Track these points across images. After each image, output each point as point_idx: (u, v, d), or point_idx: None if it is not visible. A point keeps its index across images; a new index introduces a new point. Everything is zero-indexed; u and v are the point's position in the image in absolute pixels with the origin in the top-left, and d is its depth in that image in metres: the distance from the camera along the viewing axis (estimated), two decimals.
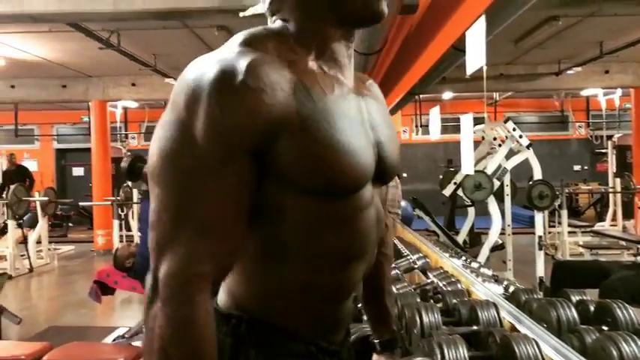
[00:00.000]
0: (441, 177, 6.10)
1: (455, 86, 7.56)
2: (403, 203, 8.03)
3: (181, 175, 0.64)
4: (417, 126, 10.54)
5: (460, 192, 5.53)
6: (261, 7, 0.83)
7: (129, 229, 8.10)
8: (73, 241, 9.67)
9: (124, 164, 2.98)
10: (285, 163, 0.67)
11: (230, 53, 0.68)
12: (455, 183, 5.43)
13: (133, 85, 8.21)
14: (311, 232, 0.73)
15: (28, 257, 6.95)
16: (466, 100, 10.52)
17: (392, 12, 2.88)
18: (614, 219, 6.93)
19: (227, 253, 0.67)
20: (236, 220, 0.67)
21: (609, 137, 9.42)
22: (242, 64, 0.65)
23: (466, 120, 2.25)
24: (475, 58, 2.15)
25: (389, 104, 5.59)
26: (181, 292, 0.63)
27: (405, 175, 9.61)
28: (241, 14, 1.01)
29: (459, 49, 3.07)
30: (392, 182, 6.29)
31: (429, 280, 2.64)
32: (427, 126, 10.66)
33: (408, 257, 3.26)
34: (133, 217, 8.16)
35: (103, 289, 3.36)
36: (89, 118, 9.28)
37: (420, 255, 3.18)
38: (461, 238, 5.55)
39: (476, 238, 6.30)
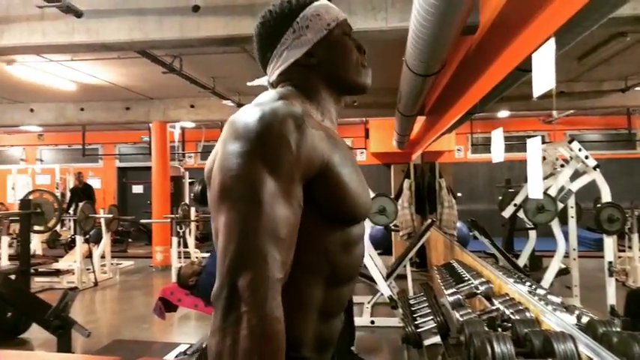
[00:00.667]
0: (500, 198, 5.93)
1: (513, 104, 7.37)
2: (459, 224, 7.87)
3: (261, 195, 0.75)
4: (472, 145, 10.33)
5: (521, 214, 5.36)
6: (265, 80, 1.07)
7: (186, 245, 8.32)
8: (133, 256, 10.01)
9: (196, 189, 3.11)
10: (320, 194, 0.83)
11: (284, 103, 0.85)
12: (515, 204, 5.27)
13: (192, 106, 8.52)
14: (328, 253, 0.87)
15: (94, 271, 7.26)
16: (523, 119, 10.23)
17: (454, 33, 2.86)
18: None
19: (289, 264, 0.77)
20: (295, 235, 0.79)
21: None
22: (301, 111, 0.84)
23: (534, 143, 2.18)
24: (543, 79, 2.09)
25: (445, 125, 5.52)
26: (270, 295, 0.71)
27: (459, 194, 9.41)
28: (248, 84, 1.18)
29: (523, 69, 3.00)
30: (446, 203, 6.17)
31: (493, 307, 2.56)
32: (483, 145, 10.45)
33: (470, 282, 3.17)
34: (190, 235, 8.39)
35: (166, 305, 3.46)
36: (149, 138, 9.68)
37: (483, 280, 3.09)
38: (521, 261, 5.35)
39: (537, 262, 6.06)
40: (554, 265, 4.25)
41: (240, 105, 8.11)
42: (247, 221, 0.74)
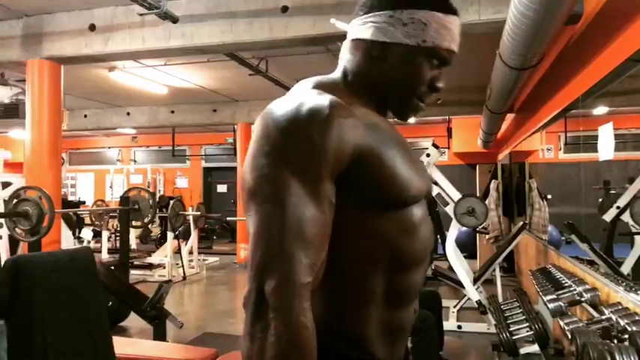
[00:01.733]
0: (599, 200, 5.51)
1: (612, 100, 6.82)
2: (549, 228, 7.42)
3: (286, 197, 0.72)
4: (566, 144, 9.70)
5: (624, 217, 4.94)
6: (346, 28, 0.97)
7: None
8: (218, 252, 10.42)
9: None
10: (361, 180, 0.79)
11: (313, 94, 0.80)
12: (618, 207, 4.86)
13: None
14: (387, 239, 0.82)
15: (182, 266, 7.63)
16: (623, 116, 9.45)
17: (558, 23, 2.68)
18: None
19: (320, 265, 0.74)
20: (327, 234, 0.76)
21: None
22: (329, 102, 0.78)
23: None
24: None
25: (537, 123, 5.22)
26: (297, 300, 0.69)
27: (549, 196, 8.88)
28: (332, 20, 1.08)
29: (636, 59, 2.75)
30: (536, 205, 5.82)
31: (603, 317, 2.36)
32: (577, 144, 9.77)
33: (572, 289, 2.96)
34: None
35: None
36: (234, 139, 10.01)
37: (587, 287, 2.87)
38: (625, 269, 4.93)
39: None
40: None
41: None
42: (272, 224, 0.71)
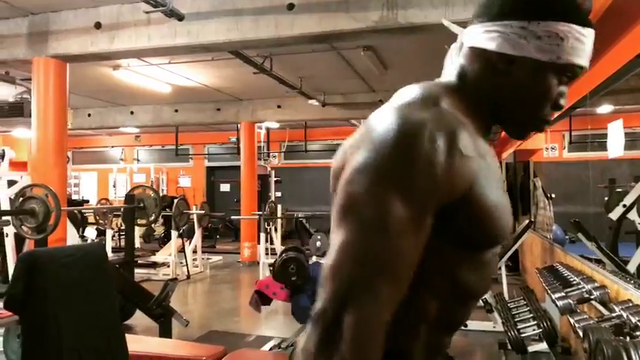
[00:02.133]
0: (606, 198, 5.50)
1: (618, 99, 6.80)
2: (554, 226, 7.40)
3: (388, 223, 0.66)
4: (571, 142, 9.69)
5: (631, 215, 4.92)
6: (459, 32, 0.90)
7: (272, 242, 8.52)
8: (221, 251, 10.42)
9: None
10: (458, 220, 0.73)
11: (435, 111, 0.74)
12: (624, 205, 4.85)
13: (279, 106, 8.71)
14: (454, 273, 0.78)
15: (186, 265, 7.63)
16: (628, 114, 9.42)
17: None
18: None
19: (399, 302, 0.70)
20: (413, 270, 0.70)
21: None
22: (452, 125, 0.71)
23: None
24: None
25: None
26: (374, 342, 0.66)
27: (553, 195, 8.86)
28: (443, 20, 0.99)
29: None
30: (541, 204, 5.80)
31: (614, 314, 2.35)
32: (581, 143, 9.76)
33: (580, 286, 2.94)
34: (276, 231, 8.57)
35: (262, 298, 3.53)
36: (237, 139, 10.02)
37: (596, 284, 2.86)
38: (631, 267, 4.91)
39: None
40: None
41: (325, 104, 8.18)
42: (368, 249, 0.66)
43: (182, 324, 4.04)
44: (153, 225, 10.92)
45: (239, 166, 9.37)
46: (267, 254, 7.72)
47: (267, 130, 11.87)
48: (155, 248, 9.11)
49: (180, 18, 3.93)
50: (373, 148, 0.70)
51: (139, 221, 5.53)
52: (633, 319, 2.14)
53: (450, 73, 0.88)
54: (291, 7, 3.78)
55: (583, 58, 0.80)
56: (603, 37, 3.01)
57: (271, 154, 12.75)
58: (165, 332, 3.86)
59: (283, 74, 6.50)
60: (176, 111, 9.19)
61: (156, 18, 4.11)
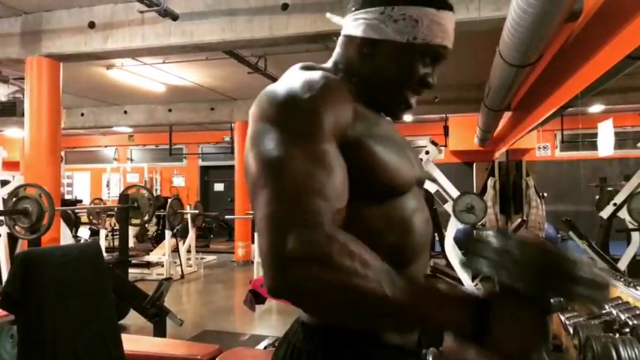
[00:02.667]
0: (597, 197, 5.55)
1: (609, 98, 6.87)
2: (545, 225, 7.46)
3: (292, 162, 0.70)
4: (562, 142, 9.76)
5: (621, 214, 4.98)
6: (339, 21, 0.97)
7: None
8: (215, 251, 10.40)
9: None
10: (352, 165, 0.76)
11: (307, 71, 0.83)
12: (615, 204, 4.92)
13: None
14: (379, 235, 0.80)
15: (180, 264, 7.62)
16: (618, 114, 9.51)
17: (557, 20, 2.70)
18: None
19: (340, 215, 0.72)
20: (343, 190, 0.74)
21: None
22: (325, 75, 0.80)
23: None
24: None
25: (535, 121, 5.25)
26: (337, 237, 0.66)
27: (545, 194, 8.92)
28: (327, 15, 1.09)
29: (635, 57, 2.77)
30: (533, 202, 5.85)
31: (604, 312, 2.38)
32: (572, 142, 9.83)
33: None
34: None
35: (256, 298, 3.54)
36: (231, 138, 10.00)
37: None
38: (622, 265, 4.97)
39: (638, 267, 5.60)
40: None
41: None
42: (283, 190, 0.69)
43: (176, 323, 4.04)
44: (146, 225, 10.96)
45: (233, 166, 9.36)
46: None
47: None
48: (149, 248, 9.09)
49: (175, 18, 3.94)
50: (259, 116, 0.77)
51: (133, 221, 5.53)
52: (622, 316, 2.17)
53: (328, 62, 0.96)
54: (285, 7, 3.79)
55: (442, 39, 0.87)
56: (594, 37, 3.05)
57: None
58: (160, 332, 3.86)
59: (277, 74, 6.50)
60: (170, 110, 9.17)
61: (150, 17, 4.11)
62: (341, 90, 0.80)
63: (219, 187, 13.45)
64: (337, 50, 0.94)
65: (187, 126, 10.78)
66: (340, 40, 0.94)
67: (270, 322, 5.30)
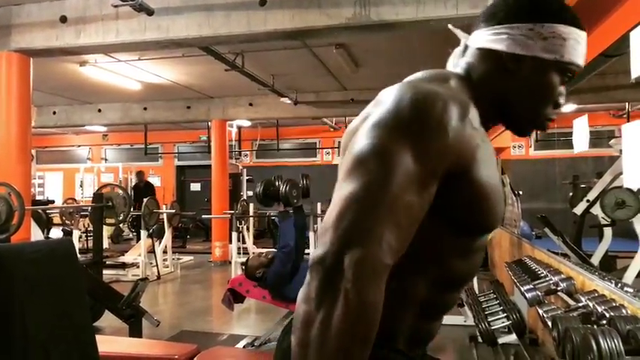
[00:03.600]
0: (570, 194, 5.66)
1: (581, 98, 7.02)
2: (521, 222, 7.58)
3: (397, 175, 0.69)
4: (537, 140, 9.93)
5: (594, 210, 5.08)
6: (464, 37, 0.96)
7: (244, 241, 8.45)
8: (192, 251, 10.27)
9: (258, 189, 3.20)
10: (456, 197, 0.76)
11: (450, 88, 0.82)
12: (588, 200, 5.01)
13: (250, 104, 8.65)
14: (443, 258, 0.82)
15: (157, 265, 7.50)
16: (590, 113, 9.73)
17: None
18: None
19: (401, 255, 0.71)
20: (415, 228, 0.73)
21: None
22: (464, 97, 0.78)
23: (632, 129, 2.04)
24: None
25: None
26: (377, 279, 0.66)
27: (520, 192, 9.07)
28: (450, 26, 1.07)
29: (608, 55, 2.83)
30: (509, 200, 5.92)
31: (580, 304, 2.41)
32: (546, 141, 10.02)
33: (548, 279, 3.02)
34: (248, 230, 8.51)
35: (235, 296, 3.50)
36: (208, 137, 9.90)
37: (563, 276, 2.93)
38: (595, 260, 5.07)
39: (610, 262, 5.74)
40: (637, 265, 3.99)
41: (297, 103, 8.16)
42: (374, 198, 0.68)
43: (153, 324, 3.96)
44: (122, 225, 10.76)
45: (210, 165, 9.26)
46: (239, 254, 7.66)
47: (239, 128, 11.77)
48: (124, 249, 8.92)
49: (150, 12, 3.86)
50: (388, 109, 0.74)
51: (108, 220, 5.41)
52: (599, 308, 2.20)
53: (455, 70, 0.93)
54: (263, 2, 3.75)
55: (580, 58, 0.88)
56: None
57: (243, 152, 12.66)
58: (136, 333, 3.78)
59: (255, 72, 6.46)
60: (145, 109, 9.02)
61: (124, 12, 4.02)
62: (475, 118, 0.78)
63: (195, 186, 13.31)
64: (469, 61, 0.92)
65: (163, 125, 10.63)
66: (472, 52, 0.92)
67: (249, 322, 5.24)
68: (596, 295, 2.45)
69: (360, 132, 0.75)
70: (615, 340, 1.56)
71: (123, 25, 4.09)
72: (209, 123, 9.41)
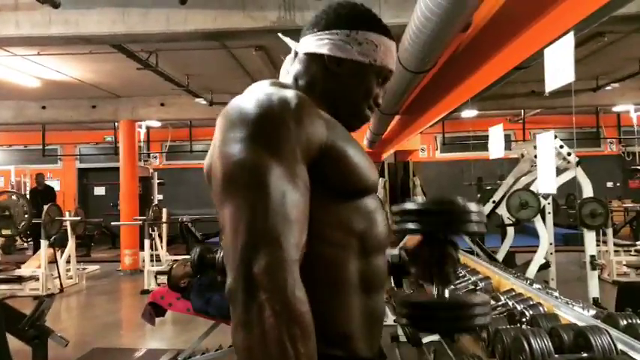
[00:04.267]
0: (478, 195, 6.03)
1: (484, 104, 7.52)
2: None
3: (266, 179, 0.73)
4: (444, 144, 10.50)
5: (499, 210, 5.46)
6: (294, 45, 1.04)
7: (156, 248, 8.07)
8: (97, 260, 9.65)
9: (193, 256, 3.07)
10: (327, 170, 0.83)
11: (279, 88, 0.87)
12: (494, 201, 5.36)
13: (162, 105, 8.29)
14: (352, 226, 0.87)
15: (59, 277, 6.92)
16: (490, 118, 10.46)
17: (456, 30, 2.85)
18: None
19: (303, 245, 0.75)
20: (307, 215, 0.77)
21: None
22: (298, 94, 0.83)
23: (545, 138, 2.20)
24: (558, 75, 2.11)
25: (425, 124, 5.58)
26: (289, 276, 0.68)
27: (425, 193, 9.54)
28: (280, 34, 1.16)
29: (519, 67, 3.03)
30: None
31: (500, 303, 2.56)
32: (451, 144, 10.63)
33: (467, 278, 3.17)
34: (160, 237, 8.13)
35: (156, 310, 3.31)
36: (114, 138, 9.35)
37: (480, 276, 3.10)
38: (499, 257, 5.45)
39: (511, 258, 6.20)
40: (538, 260, 4.34)
41: (212, 104, 7.94)
42: (255, 208, 0.71)
43: (61, 344, 3.66)
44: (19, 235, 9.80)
45: (116, 168, 8.75)
46: (152, 261, 7.29)
47: (148, 129, 11.24)
48: (19, 260, 8.13)
49: (56, 5, 3.53)
50: (233, 124, 0.78)
51: (4, 232, 4.89)
52: (519, 307, 2.35)
53: (285, 78, 1.02)
54: (183, 1, 3.58)
55: (392, 64, 1.01)
56: (486, 46, 3.28)
57: (152, 154, 12.11)
58: (40, 356, 3.48)
59: (169, 71, 6.19)
60: (44, 107, 8.31)
61: (26, 3, 3.64)
62: (312, 105, 0.85)
63: (99, 190, 12.56)
64: (298, 66, 1.00)
65: (64, 125, 9.86)
66: (300, 57, 1.00)
67: (166, 334, 4.99)
68: (514, 293, 2.61)
69: (217, 152, 0.78)
70: (545, 340, 1.66)
71: (24, 17, 3.71)
72: (116, 123, 8.88)
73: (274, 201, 0.72)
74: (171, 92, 7.39)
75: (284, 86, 0.92)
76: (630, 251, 6.49)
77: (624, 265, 6.06)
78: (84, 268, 8.19)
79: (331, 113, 0.95)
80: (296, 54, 1.02)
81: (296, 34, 3.30)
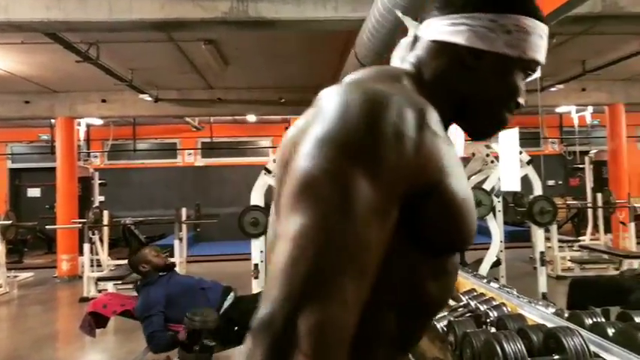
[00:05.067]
0: None
1: None
2: None
3: (355, 208, 0.55)
4: None
5: None
6: (414, 26, 0.82)
7: (96, 253, 7.63)
8: (31, 267, 9.07)
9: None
10: (428, 215, 0.64)
11: (401, 89, 0.69)
12: None
13: (104, 101, 7.87)
14: (415, 285, 0.70)
15: None
16: None
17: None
18: (593, 233, 7.11)
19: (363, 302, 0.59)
20: (376, 270, 0.59)
21: (583, 153, 9.72)
22: (420, 104, 0.63)
23: (510, 135, 2.16)
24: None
25: None
26: (341, 347, 0.53)
27: None
28: (398, 13, 0.92)
29: None
30: None
31: (461, 303, 2.52)
32: None
33: None
34: (101, 241, 7.70)
35: (97, 321, 3.05)
36: (50, 136, 8.81)
37: None
38: None
39: (461, 257, 6.31)
40: (490, 258, 4.40)
41: (157, 100, 7.61)
42: (330, 238, 0.54)
43: None
44: None
45: (53, 168, 8.23)
46: (92, 267, 6.88)
47: (88, 127, 10.66)
48: None
49: None
50: (333, 119, 0.60)
51: None
52: (482, 307, 2.30)
53: (401, 66, 0.80)
54: None
55: (542, 55, 0.78)
56: None
57: (92, 154, 11.52)
58: None
59: (111, 64, 5.84)
60: None
61: None
62: (436, 125, 0.64)
63: (34, 192, 11.85)
64: (420, 54, 0.79)
65: None
66: (424, 44, 0.79)
67: (107, 345, 4.68)
68: (476, 294, 2.57)
69: (303, 148, 0.60)
70: (518, 344, 1.60)
71: None
72: (52, 120, 8.35)
73: (356, 240, 0.55)
74: (113, 87, 7.01)
75: (404, 87, 0.73)
76: (573, 247, 6.76)
77: (569, 260, 6.29)
78: (15, 276, 7.70)
79: (456, 118, 0.78)
80: (415, 38, 0.80)
81: (248, 26, 3.14)
